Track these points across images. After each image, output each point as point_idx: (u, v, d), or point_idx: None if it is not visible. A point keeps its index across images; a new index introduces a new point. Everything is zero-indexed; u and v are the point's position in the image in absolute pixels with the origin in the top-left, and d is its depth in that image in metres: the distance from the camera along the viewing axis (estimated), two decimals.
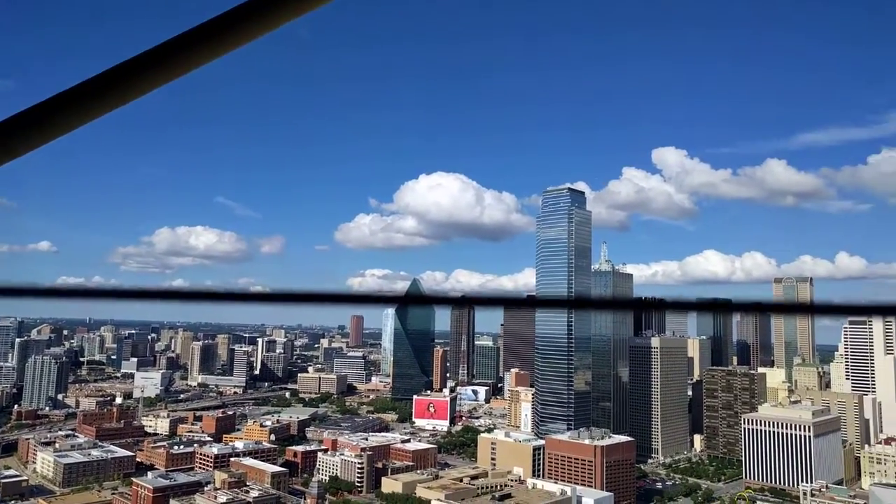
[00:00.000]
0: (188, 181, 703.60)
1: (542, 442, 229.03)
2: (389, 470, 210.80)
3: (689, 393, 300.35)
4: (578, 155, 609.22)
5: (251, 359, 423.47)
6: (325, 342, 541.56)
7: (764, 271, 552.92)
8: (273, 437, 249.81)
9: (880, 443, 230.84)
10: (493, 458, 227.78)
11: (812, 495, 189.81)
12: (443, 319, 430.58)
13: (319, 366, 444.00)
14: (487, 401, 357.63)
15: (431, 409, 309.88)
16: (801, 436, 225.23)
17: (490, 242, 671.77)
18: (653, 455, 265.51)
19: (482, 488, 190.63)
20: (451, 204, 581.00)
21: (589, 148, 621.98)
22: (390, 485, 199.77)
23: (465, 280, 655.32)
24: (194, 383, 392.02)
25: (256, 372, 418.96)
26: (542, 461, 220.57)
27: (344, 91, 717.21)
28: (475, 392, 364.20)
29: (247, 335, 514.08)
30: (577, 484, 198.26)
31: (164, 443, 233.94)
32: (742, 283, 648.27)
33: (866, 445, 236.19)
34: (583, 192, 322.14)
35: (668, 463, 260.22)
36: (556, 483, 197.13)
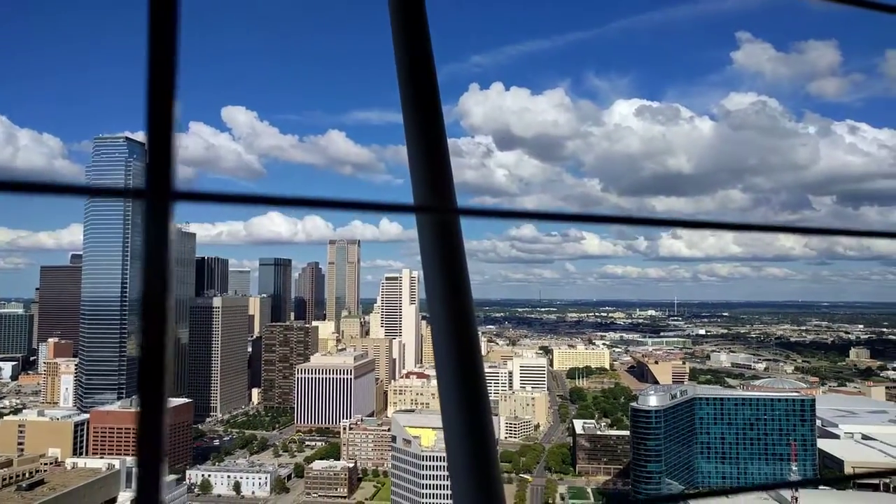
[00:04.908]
0: None
1: (86, 416, 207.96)
2: None
3: (250, 349, 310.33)
4: (138, 100, 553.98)
5: None
6: None
7: (322, 233, 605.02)
8: None
9: (403, 377, 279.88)
10: (20, 443, 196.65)
11: (350, 429, 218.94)
12: None
13: None
14: (15, 377, 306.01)
15: None
16: (344, 379, 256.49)
17: (27, 193, 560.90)
18: (212, 413, 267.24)
19: (5, 479, 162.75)
20: None
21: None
22: None
23: None
24: None
25: None
26: (86, 437, 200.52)
27: None
28: None
29: None
30: (128, 455, 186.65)
31: None
32: (302, 244, 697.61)
33: (392, 381, 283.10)
34: (143, 143, 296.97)
35: (226, 419, 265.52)
36: (101, 458, 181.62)
